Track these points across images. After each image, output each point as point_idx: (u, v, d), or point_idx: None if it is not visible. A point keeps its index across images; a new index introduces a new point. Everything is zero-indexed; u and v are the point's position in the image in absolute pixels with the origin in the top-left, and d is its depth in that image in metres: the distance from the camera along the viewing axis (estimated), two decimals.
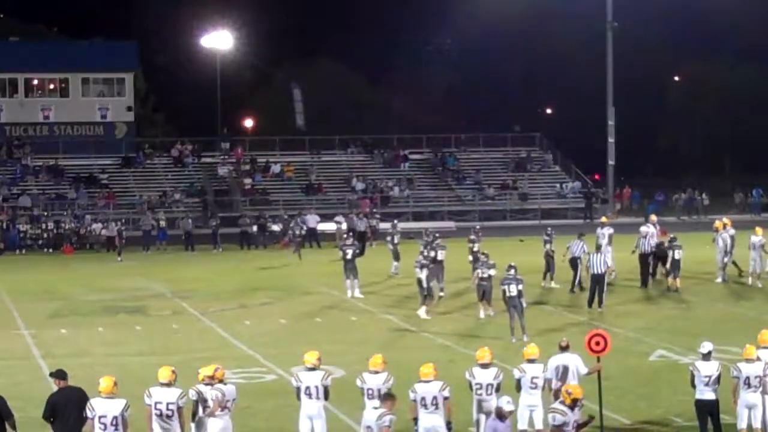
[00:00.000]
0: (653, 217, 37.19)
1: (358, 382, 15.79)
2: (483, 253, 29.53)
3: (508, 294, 25.32)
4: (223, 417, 15.21)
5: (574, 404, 14.05)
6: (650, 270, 33.54)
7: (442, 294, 31.74)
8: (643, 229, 33.68)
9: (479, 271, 28.23)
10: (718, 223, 35.07)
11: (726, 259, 34.21)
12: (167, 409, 14.70)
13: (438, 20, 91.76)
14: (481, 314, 28.13)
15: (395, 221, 43.05)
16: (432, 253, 32.06)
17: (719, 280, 34.12)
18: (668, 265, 32.49)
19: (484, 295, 28.07)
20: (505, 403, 14.44)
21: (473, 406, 16.39)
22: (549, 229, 35.57)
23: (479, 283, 28.15)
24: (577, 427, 14.14)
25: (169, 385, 14.84)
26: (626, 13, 65.39)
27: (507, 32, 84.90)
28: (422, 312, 28.57)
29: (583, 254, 31.97)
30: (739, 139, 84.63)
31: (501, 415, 14.41)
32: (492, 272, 27.86)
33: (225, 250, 48.76)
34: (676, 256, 32.17)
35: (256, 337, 26.49)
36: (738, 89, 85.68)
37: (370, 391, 15.69)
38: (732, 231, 34.48)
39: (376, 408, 14.83)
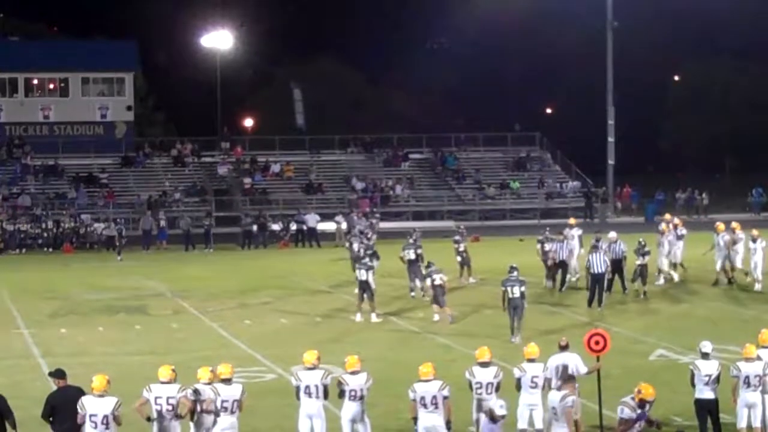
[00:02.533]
0: (668, 216, 36.89)
1: (341, 385, 15.79)
2: (430, 262, 29.58)
3: (510, 295, 25.04)
4: (228, 417, 15.20)
5: (641, 405, 14.09)
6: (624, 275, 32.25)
7: (416, 293, 31.98)
8: (612, 234, 33.03)
9: (432, 278, 28.08)
10: (664, 226, 34.50)
11: (674, 260, 34.07)
12: (167, 404, 14.76)
13: (438, 19, 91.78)
14: (436, 317, 28.08)
15: (372, 220, 43.06)
16: (402, 253, 32.61)
17: (661, 282, 33.65)
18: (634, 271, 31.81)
19: (438, 301, 27.97)
20: (498, 407, 14.47)
21: (473, 406, 16.39)
22: (548, 229, 35.48)
23: (435, 289, 28.02)
24: (647, 420, 14.22)
25: (169, 383, 14.92)
26: (626, 13, 65.40)
27: (507, 31, 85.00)
28: (373, 316, 28.40)
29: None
30: (739, 139, 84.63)
31: (492, 418, 14.46)
32: (444, 277, 27.92)
33: (225, 249, 48.73)
34: (643, 261, 31.45)
35: (256, 337, 26.50)
36: (738, 89, 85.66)
37: (353, 392, 15.73)
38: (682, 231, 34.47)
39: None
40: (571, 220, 37.59)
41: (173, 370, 15.10)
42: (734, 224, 34.19)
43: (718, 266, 33.64)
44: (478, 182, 65.32)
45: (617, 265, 31.89)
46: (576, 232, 35.07)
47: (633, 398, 14.20)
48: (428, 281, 28.47)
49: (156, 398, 14.80)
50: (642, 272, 31.41)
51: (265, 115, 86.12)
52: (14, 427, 14.69)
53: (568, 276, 33.45)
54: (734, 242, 33.23)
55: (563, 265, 32.92)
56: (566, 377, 15.23)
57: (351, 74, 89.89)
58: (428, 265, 29.15)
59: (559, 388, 15.26)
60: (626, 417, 14.11)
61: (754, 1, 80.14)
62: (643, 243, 31.80)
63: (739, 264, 33.49)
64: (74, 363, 21.46)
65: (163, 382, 14.95)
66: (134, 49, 68.97)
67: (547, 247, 33.71)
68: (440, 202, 63.27)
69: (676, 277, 34.14)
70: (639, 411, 14.11)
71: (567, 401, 14.61)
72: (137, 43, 69.56)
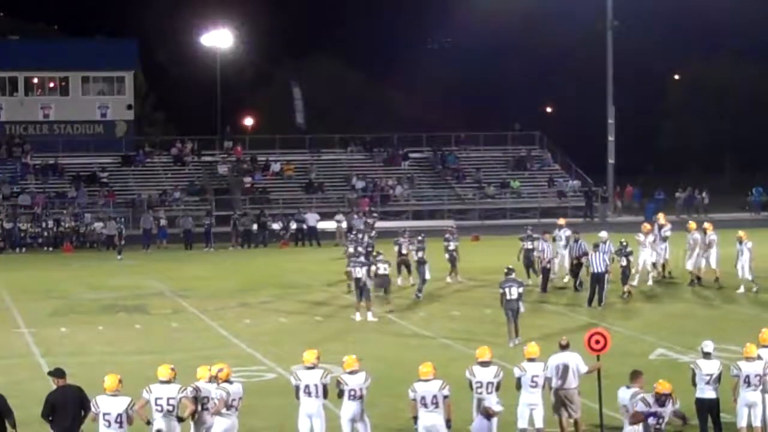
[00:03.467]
0: (660, 215, 36.60)
1: (340, 385, 15.82)
2: (378, 252, 30.45)
3: (508, 297, 24.59)
4: (231, 416, 15.23)
5: (658, 399, 14.21)
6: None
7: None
8: (602, 234, 32.75)
9: (376, 266, 28.98)
10: (647, 226, 34.24)
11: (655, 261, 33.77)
12: (168, 404, 14.79)
13: (438, 18, 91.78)
14: (369, 316, 28.34)
15: (369, 220, 42.97)
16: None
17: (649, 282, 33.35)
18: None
19: (384, 291, 29.04)
20: (494, 404, 14.49)
21: (473, 405, 16.38)
22: (530, 228, 35.34)
23: (376, 279, 28.78)
24: (675, 413, 14.43)
25: (168, 382, 14.93)
26: (627, 12, 65.37)
27: (507, 30, 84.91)
28: (369, 315, 28.40)
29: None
30: (739, 138, 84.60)
31: (488, 415, 14.49)
32: (387, 267, 29.22)
33: (226, 249, 48.69)
34: (623, 263, 31.16)
35: (256, 336, 26.49)
36: (738, 88, 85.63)
37: (352, 392, 15.75)
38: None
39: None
40: (561, 221, 37.20)
41: (172, 369, 15.12)
42: (706, 224, 34.05)
43: (689, 265, 33.37)
44: (478, 181, 65.29)
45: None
46: (564, 232, 34.86)
47: (652, 394, 14.30)
48: (372, 269, 29.00)
49: (156, 399, 14.83)
50: (624, 272, 31.16)
51: (265, 115, 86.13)
52: (14, 426, 14.69)
53: (550, 276, 33.28)
54: (708, 243, 32.85)
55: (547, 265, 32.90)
56: (634, 373, 15.27)
57: (351, 73, 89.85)
58: (376, 255, 29.81)
59: (628, 386, 15.27)
60: (639, 410, 14.28)
61: (754, 0, 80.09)
62: (625, 243, 31.56)
63: (713, 264, 33.07)
64: (74, 362, 21.47)
65: (162, 382, 14.97)
66: (134, 48, 68.96)
67: (528, 245, 33.63)
68: (440, 201, 63.26)
69: (636, 279, 33.39)
70: (654, 407, 14.19)
71: (638, 398, 14.71)
72: (137, 42, 69.55)
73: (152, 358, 22.31)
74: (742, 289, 31.97)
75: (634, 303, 30.76)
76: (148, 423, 14.93)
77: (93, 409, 14.45)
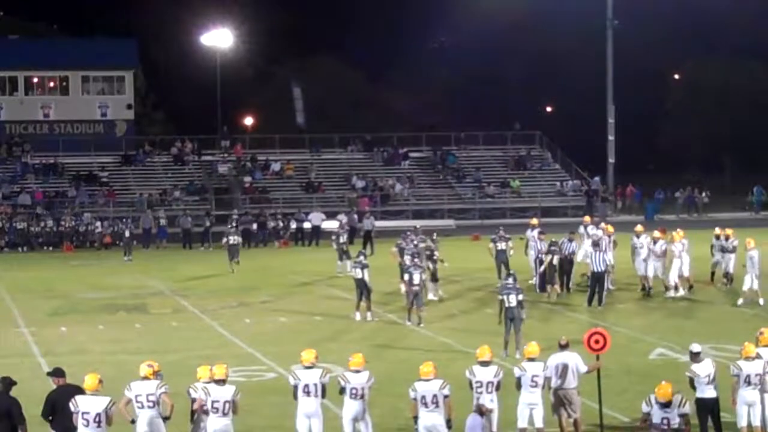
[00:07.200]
0: (586, 219, 36.47)
1: (341, 382, 15.81)
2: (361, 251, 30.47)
3: (507, 304, 23.43)
4: (220, 419, 15.06)
5: (660, 404, 14.44)
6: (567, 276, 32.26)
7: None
8: (590, 231, 32.37)
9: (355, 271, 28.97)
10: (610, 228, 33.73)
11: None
12: (148, 400, 14.84)
13: (438, 18, 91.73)
14: (369, 316, 28.45)
15: (341, 222, 43.04)
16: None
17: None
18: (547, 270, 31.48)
19: (362, 296, 28.46)
20: (488, 401, 14.57)
21: (473, 405, 16.37)
22: (501, 228, 35.17)
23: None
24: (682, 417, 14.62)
25: (147, 379, 15.00)
26: (626, 11, 65.40)
27: (507, 30, 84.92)
28: (369, 315, 28.43)
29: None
30: (739, 138, 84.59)
31: (481, 412, 14.56)
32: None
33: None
34: (554, 262, 31.20)
35: (256, 336, 26.52)
36: (738, 87, 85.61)
37: (354, 390, 15.75)
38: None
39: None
40: (533, 221, 36.60)
41: (150, 366, 15.18)
42: (603, 225, 33.92)
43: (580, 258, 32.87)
44: (478, 181, 65.32)
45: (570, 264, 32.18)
46: (535, 232, 34.35)
47: (655, 397, 14.64)
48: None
49: (136, 396, 14.89)
50: (548, 270, 31.24)
51: (265, 114, 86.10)
52: None
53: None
54: (595, 242, 32.28)
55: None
56: None
57: (351, 72, 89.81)
58: (358, 255, 29.68)
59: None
60: (644, 411, 14.71)
61: (753, 0, 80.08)
62: (554, 242, 31.52)
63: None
64: (74, 362, 21.47)
65: (142, 379, 15.04)
66: (134, 48, 69.03)
67: (500, 246, 33.54)
68: (440, 200, 63.29)
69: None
70: (654, 408, 14.46)
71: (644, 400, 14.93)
72: (137, 42, 69.61)
73: (152, 358, 22.29)
74: (681, 292, 31.68)
75: (634, 303, 30.78)
76: (132, 422, 14.93)
77: (72, 408, 14.40)
